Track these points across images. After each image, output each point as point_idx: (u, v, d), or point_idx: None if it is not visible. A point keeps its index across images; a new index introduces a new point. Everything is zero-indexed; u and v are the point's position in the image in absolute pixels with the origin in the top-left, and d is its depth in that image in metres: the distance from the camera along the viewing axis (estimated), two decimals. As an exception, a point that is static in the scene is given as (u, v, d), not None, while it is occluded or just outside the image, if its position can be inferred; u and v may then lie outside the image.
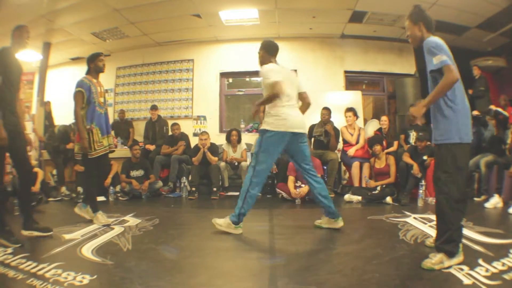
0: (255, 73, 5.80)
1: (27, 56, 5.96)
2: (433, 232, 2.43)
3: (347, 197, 4.31)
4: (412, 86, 6.09)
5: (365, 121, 6.21)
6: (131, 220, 3.32)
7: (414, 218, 3.25)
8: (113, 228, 2.99)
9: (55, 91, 6.68)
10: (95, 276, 1.87)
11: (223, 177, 5.02)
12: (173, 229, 3.01)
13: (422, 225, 2.96)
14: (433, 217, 3.03)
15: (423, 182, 4.13)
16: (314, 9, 5.38)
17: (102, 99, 3.21)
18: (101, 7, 5.07)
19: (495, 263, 1.95)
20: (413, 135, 4.93)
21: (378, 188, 4.30)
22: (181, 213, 4.06)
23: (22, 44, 2.66)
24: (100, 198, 4.29)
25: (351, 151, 4.87)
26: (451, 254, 1.94)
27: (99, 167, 3.33)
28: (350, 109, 5.08)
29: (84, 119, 3.08)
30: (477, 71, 5.44)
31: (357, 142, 4.96)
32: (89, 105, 3.10)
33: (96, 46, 6.30)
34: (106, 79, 6.37)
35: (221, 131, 6.53)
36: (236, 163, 5.15)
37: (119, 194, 4.77)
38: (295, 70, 6.39)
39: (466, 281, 1.75)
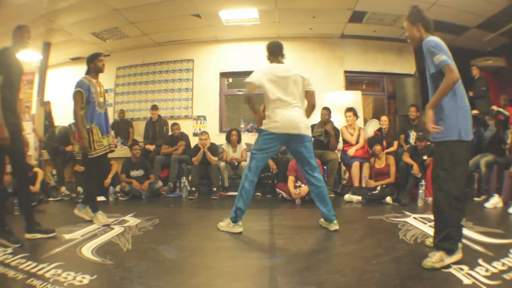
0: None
1: (27, 56, 5.96)
2: (432, 232, 2.42)
3: (347, 197, 4.31)
4: (412, 86, 6.09)
5: (365, 121, 6.21)
6: (131, 220, 3.32)
7: (414, 218, 3.25)
8: (113, 228, 2.99)
9: (55, 91, 6.67)
10: (95, 276, 1.87)
11: (223, 177, 5.02)
12: (173, 229, 3.01)
13: (422, 225, 2.96)
14: (433, 217, 3.04)
15: (423, 182, 4.13)
16: (314, 9, 5.38)
17: (101, 99, 3.22)
18: (101, 7, 5.07)
19: (495, 263, 1.95)
20: (413, 135, 4.94)
21: (378, 188, 4.30)
22: (181, 213, 4.06)
23: (23, 44, 2.66)
24: (100, 198, 4.29)
25: (351, 151, 4.87)
26: (450, 252, 1.95)
27: (99, 167, 3.33)
28: (350, 109, 5.08)
29: (83, 119, 3.09)
30: (476, 71, 5.44)
31: (357, 142, 4.96)
32: (89, 105, 3.10)
33: (96, 46, 6.30)
34: (106, 79, 6.37)
35: (221, 131, 6.53)
36: (236, 163, 5.15)
37: (119, 194, 4.77)
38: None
39: (466, 281, 1.75)
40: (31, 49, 5.25)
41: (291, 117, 2.73)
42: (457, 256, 1.97)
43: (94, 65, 3.19)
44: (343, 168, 5.39)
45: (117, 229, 2.95)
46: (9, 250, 2.30)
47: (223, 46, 6.69)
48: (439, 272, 1.87)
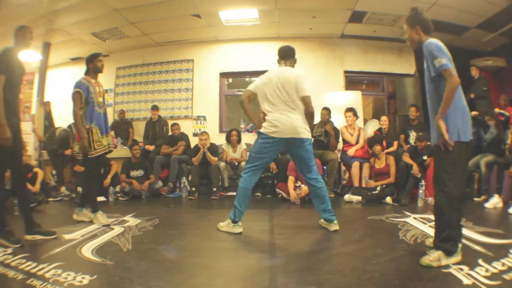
0: (255, 73, 5.82)
1: (27, 56, 5.95)
2: (433, 232, 2.42)
3: (347, 197, 4.31)
4: (412, 86, 6.09)
5: (365, 121, 6.21)
6: (131, 220, 3.32)
7: (414, 218, 3.26)
8: (113, 228, 2.99)
9: (55, 91, 6.67)
10: (95, 276, 1.87)
11: (223, 177, 5.02)
12: (173, 229, 3.01)
13: (422, 225, 2.96)
14: (433, 217, 3.03)
15: (423, 182, 4.13)
16: (314, 9, 5.38)
17: (101, 99, 3.22)
18: (101, 7, 5.06)
19: (495, 263, 1.95)
20: (413, 135, 4.94)
21: (378, 188, 4.30)
22: (181, 213, 4.06)
23: (25, 44, 2.66)
24: (100, 198, 4.29)
25: (351, 151, 4.87)
26: (449, 253, 1.95)
27: (98, 166, 3.34)
28: (350, 109, 5.08)
29: (83, 119, 3.09)
30: (476, 71, 5.43)
31: (357, 142, 4.96)
32: (88, 105, 3.11)
33: (96, 46, 6.30)
34: (106, 79, 6.38)
35: (221, 131, 6.53)
36: (236, 163, 5.15)
37: (119, 194, 4.77)
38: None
39: (466, 281, 1.75)
40: (31, 49, 5.25)
41: (290, 122, 2.73)
42: (456, 258, 1.97)
43: (93, 65, 3.20)
44: (343, 168, 5.39)
45: (117, 229, 2.95)
46: (9, 250, 2.30)
47: (223, 46, 6.68)
48: (439, 272, 1.87)
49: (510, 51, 5.91)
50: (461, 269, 1.88)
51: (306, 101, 2.79)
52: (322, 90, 6.12)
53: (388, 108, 6.79)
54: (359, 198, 4.24)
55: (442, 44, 2.01)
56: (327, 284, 1.80)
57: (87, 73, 3.22)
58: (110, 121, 6.46)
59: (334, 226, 2.85)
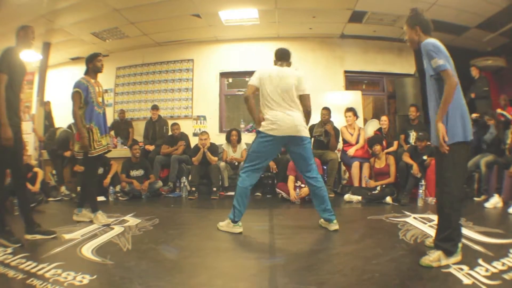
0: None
1: (27, 56, 5.94)
2: (433, 232, 2.43)
3: (347, 197, 4.31)
4: (412, 86, 6.09)
5: (365, 121, 6.21)
6: (131, 220, 3.32)
7: (414, 218, 3.25)
8: (113, 228, 2.99)
9: (55, 91, 6.67)
10: (95, 276, 1.87)
11: (223, 177, 5.02)
12: (173, 229, 3.01)
13: (422, 225, 2.96)
14: (433, 217, 3.05)
15: (423, 182, 4.13)
16: (314, 9, 5.38)
17: (100, 99, 3.23)
18: (101, 7, 5.06)
19: (495, 263, 1.95)
20: (413, 135, 4.94)
21: (378, 188, 4.30)
22: (181, 213, 4.06)
23: (27, 44, 2.67)
24: (100, 198, 4.29)
25: (351, 151, 4.87)
26: (449, 253, 1.95)
27: (98, 166, 3.34)
28: (350, 109, 5.08)
29: (82, 118, 3.10)
30: (476, 71, 5.43)
31: (357, 142, 4.96)
32: (87, 105, 3.11)
33: (96, 46, 6.30)
34: (106, 79, 6.38)
35: (221, 131, 6.53)
36: (236, 163, 5.15)
37: (119, 194, 4.77)
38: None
39: (466, 281, 1.75)
40: (32, 49, 5.25)
41: (289, 120, 2.73)
42: (456, 258, 1.97)
43: (93, 65, 3.20)
44: (343, 168, 5.39)
45: (117, 229, 2.95)
46: (9, 250, 2.30)
47: (223, 46, 6.68)
48: (439, 272, 1.87)
49: (510, 51, 5.91)
50: (461, 269, 1.88)
51: (305, 99, 2.83)
52: (322, 90, 6.12)
53: (388, 108, 6.79)
54: (359, 198, 4.24)
55: (440, 43, 2.00)
56: (327, 284, 1.80)
57: (86, 73, 3.22)
58: (110, 121, 6.48)
59: (334, 226, 2.85)
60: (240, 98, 6.78)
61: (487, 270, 1.87)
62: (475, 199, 4.15)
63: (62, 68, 7.10)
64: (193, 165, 5.02)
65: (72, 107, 3.08)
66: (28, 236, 2.60)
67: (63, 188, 5.10)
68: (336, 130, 4.97)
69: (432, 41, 2.01)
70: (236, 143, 5.31)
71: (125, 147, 5.87)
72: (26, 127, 5.55)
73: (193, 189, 4.89)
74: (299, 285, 1.78)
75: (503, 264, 1.95)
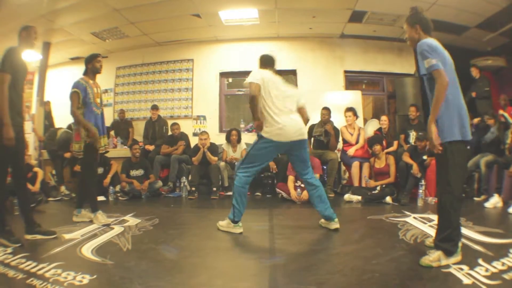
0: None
1: (27, 56, 5.93)
2: (432, 232, 2.43)
3: (347, 197, 4.31)
4: (412, 85, 6.08)
5: (365, 121, 6.21)
6: (131, 220, 3.32)
7: (414, 217, 3.26)
8: (113, 228, 2.99)
9: (54, 91, 6.66)
10: (95, 276, 1.87)
11: (222, 177, 5.02)
12: (173, 229, 3.01)
13: (422, 225, 2.96)
14: (433, 217, 3.05)
15: (422, 182, 4.13)
16: (314, 9, 5.38)
17: (98, 100, 3.24)
18: (101, 7, 5.06)
19: (495, 263, 1.95)
20: (413, 135, 4.94)
21: (378, 188, 4.30)
22: (181, 213, 4.06)
23: (29, 44, 2.67)
24: (100, 198, 4.29)
25: (351, 151, 4.87)
26: (449, 253, 1.95)
27: (96, 166, 3.35)
28: (350, 109, 5.08)
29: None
30: (476, 71, 5.42)
31: (357, 142, 4.96)
32: (86, 105, 3.12)
33: (96, 46, 6.30)
34: (106, 79, 6.39)
35: (221, 131, 6.53)
36: (236, 163, 5.14)
37: (118, 194, 4.77)
38: (295, 70, 6.44)
39: (466, 280, 1.75)
40: (33, 49, 5.25)
41: (295, 124, 2.75)
42: (456, 258, 1.97)
43: (92, 66, 3.21)
44: (343, 168, 5.39)
45: (117, 229, 2.95)
46: (9, 250, 2.30)
47: (223, 46, 6.68)
48: (439, 272, 1.87)
49: (510, 51, 5.90)
50: (461, 269, 1.88)
51: (304, 109, 2.91)
52: (322, 90, 6.12)
53: (388, 108, 6.79)
54: (359, 197, 4.24)
55: (437, 43, 2.01)
56: (327, 284, 1.80)
57: (85, 73, 3.23)
58: (110, 120, 6.48)
59: (335, 225, 2.85)
60: (240, 98, 6.79)
61: (487, 270, 1.87)
62: (475, 199, 4.15)
63: (62, 68, 7.09)
64: (193, 165, 5.02)
65: (70, 107, 3.09)
66: (28, 236, 2.60)
67: (63, 188, 5.10)
68: (336, 130, 4.97)
69: (428, 41, 2.01)
70: (236, 143, 5.31)
71: (125, 147, 5.87)
72: (26, 127, 5.54)
73: (193, 189, 4.89)
74: (299, 285, 1.78)
75: (503, 264, 1.95)
